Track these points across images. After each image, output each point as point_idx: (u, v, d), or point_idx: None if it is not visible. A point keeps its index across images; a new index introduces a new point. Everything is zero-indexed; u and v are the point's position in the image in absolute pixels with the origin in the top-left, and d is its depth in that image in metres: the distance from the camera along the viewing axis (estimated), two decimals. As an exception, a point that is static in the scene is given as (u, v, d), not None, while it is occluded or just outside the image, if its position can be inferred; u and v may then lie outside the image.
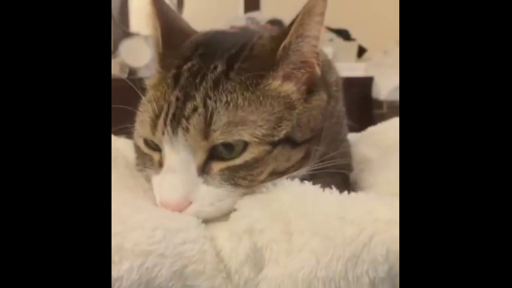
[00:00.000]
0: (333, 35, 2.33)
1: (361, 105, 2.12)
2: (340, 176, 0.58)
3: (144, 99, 0.50)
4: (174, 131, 0.45)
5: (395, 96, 1.95)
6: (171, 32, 0.51)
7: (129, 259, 0.38)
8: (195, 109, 0.44)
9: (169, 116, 0.45)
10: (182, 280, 0.40)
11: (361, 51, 2.44)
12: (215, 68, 0.47)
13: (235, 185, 0.46)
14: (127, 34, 1.65)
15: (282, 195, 0.44)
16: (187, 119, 0.44)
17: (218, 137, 0.44)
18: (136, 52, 1.52)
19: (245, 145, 0.45)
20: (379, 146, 0.70)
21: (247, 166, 0.46)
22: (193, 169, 0.45)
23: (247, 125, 0.45)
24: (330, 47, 2.18)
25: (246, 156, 0.45)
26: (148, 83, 0.51)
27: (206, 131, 0.44)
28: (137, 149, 0.52)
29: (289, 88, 0.48)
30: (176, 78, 0.48)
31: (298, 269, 0.39)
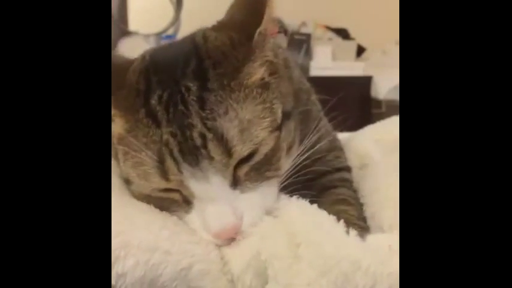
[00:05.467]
0: (332, 34, 2.33)
1: (360, 105, 2.13)
2: (350, 184, 0.59)
3: (119, 154, 0.47)
4: (194, 164, 0.42)
5: (394, 96, 1.95)
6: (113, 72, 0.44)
7: (135, 255, 0.38)
8: (203, 136, 0.42)
9: (176, 154, 0.43)
10: (187, 281, 0.40)
11: (360, 50, 2.45)
12: (188, 88, 0.44)
13: (265, 178, 0.46)
14: (126, 33, 1.65)
15: (296, 218, 0.43)
16: (205, 148, 0.42)
17: (242, 149, 0.43)
18: (134, 51, 1.51)
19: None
20: (380, 141, 0.70)
21: (267, 158, 0.46)
22: (227, 187, 0.44)
23: (256, 123, 0.44)
24: (329, 46, 2.19)
25: (264, 149, 0.45)
26: (114, 135, 0.47)
27: (228, 150, 0.43)
28: (150, 199, 0.47)
29: (262, 71, 0.47)
30: (152, 115, 0.44)
31: None
